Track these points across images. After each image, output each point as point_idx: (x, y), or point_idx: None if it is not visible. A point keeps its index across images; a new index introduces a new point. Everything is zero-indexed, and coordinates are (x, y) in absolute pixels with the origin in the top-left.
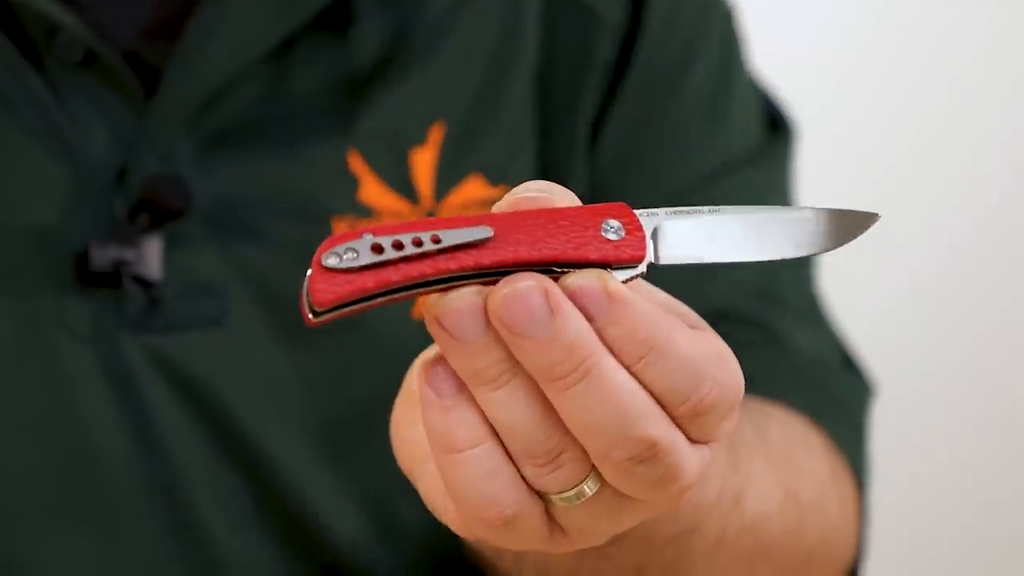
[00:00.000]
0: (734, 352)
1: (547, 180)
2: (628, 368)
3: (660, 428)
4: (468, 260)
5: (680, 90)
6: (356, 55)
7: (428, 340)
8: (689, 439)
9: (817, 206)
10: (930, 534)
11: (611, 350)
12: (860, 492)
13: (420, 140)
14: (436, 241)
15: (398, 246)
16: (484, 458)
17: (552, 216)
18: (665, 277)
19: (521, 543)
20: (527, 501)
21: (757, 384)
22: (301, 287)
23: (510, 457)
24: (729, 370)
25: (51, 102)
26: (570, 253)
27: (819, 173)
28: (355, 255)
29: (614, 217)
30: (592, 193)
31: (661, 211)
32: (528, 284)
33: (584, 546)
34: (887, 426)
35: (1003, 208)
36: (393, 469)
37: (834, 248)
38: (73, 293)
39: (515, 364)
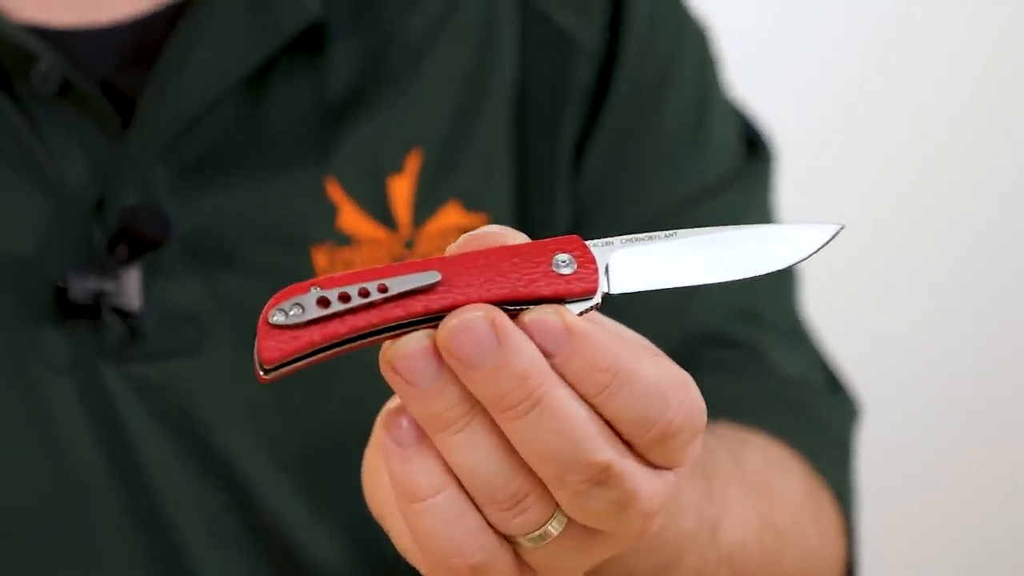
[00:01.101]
0: (716, 376)
1: (527, 204)
2: (593, 399)
3: (610, 452)
4: (417, 306)
5: (659, 114)
6: (331, 80)
7: None
8: (654, 465)
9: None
10: (922, 546)
11: (574, 383)
12: (844, 513)
13: (398, 168)
14: (383, 290)
15: (344, 298)
16: (446, 505)
17: (502, 255)
18: (645, 302)
19: None
20: (494, 547)
21: (738, 409)
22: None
23: (475, 503)
24: (692, 395)
25: (27, 132)
26: (521, 291)
27: (807, 186)
28: (301, 310)
29: (565, 251)
30: (576, 220)
31: (616, 240)
32: (474, 315)
33: None
34: (889, 439)
35: (1001, 219)
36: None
37: (795, 263)
38: (52, 324)
39: (473, 406)
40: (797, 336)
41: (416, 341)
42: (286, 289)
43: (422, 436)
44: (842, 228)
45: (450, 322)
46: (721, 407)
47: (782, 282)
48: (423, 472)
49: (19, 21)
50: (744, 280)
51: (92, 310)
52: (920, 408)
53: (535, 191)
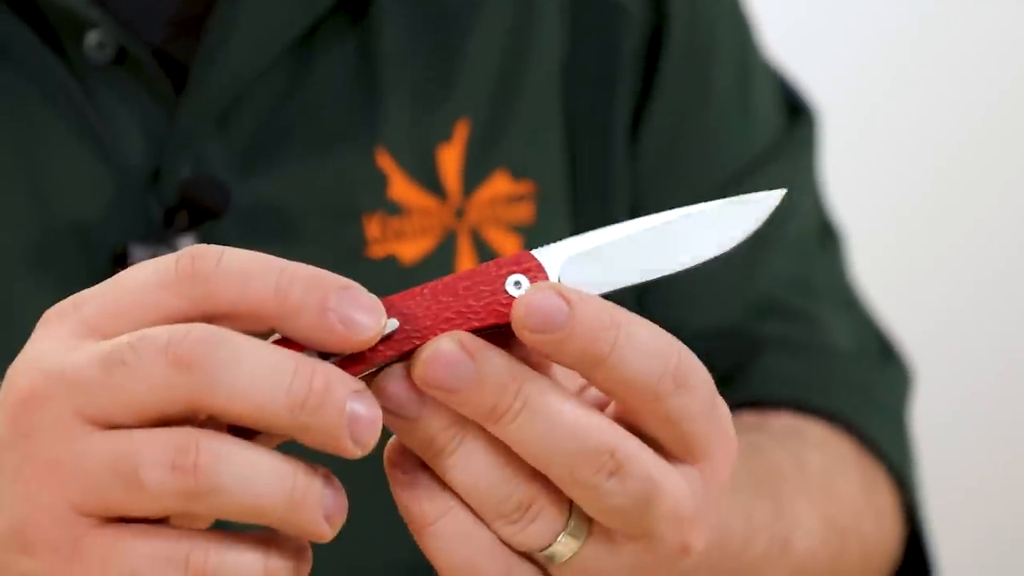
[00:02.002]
0: (779, 355)
1: (579, 177)
2: (604, 362)
3: (611, 434)
4: (387, 352)
5: (708, 84)
6: (377, 47)
7: None
8: (672, 455)
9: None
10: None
11: (582, 354)
12: (904, 489)
13: (446, 137)
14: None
15: None
16: (453, 526)
17: (452, 285)
18: (706, 279)
19: None
20: (513, 563)
21: (799, 388)
22: None
23: (484, 521)
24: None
25: (84, 101)
26: (476, 324)
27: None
28: None
29: (516, 271)
30: (635, 197)
31: (564, 243)
32: (442, 343)
33: None
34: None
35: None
36: None
37: (742, 237)
38: None
39: (462, 427)
40: (849, 303)
41: (393, 377)
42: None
43: (420, 462)
44: (784, 193)
45: (422, 356)
46: (783, 388)
47: (831, 248)
48: (426, 497)
49: None
50: (796, 248)
51: None
52: (942, 409)
53: (588, 163)
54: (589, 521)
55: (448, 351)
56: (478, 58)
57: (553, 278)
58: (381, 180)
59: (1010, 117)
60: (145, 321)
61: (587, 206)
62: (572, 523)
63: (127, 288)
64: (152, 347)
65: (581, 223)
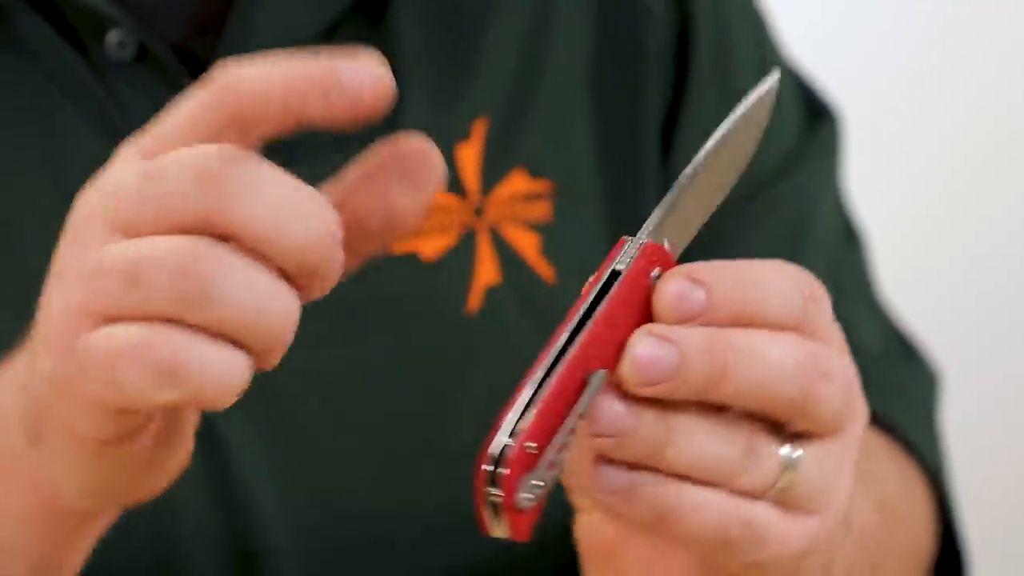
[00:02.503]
0: None
1: (612, 180)
2: (750, 313)
3: (809, 345)
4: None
5: (735, 87)
6: (394, 45)
7: (482, 330)
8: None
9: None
10: None
11: (732, 317)
12: (937, 486)
13: (464, 135)
14: (581, 416)
15: (561, 449)
16: (688, 505)
17: (613, 312)
18: None
19: (770, 550)
20: (753, 510)
21: None
22: (484, 510)
23: (716, 485)
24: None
25: (106, 99)
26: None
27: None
28: (542, 484)
29: (653, 267)
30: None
31: (653, 220)
32: (641, 341)
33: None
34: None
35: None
36: (451, 465)
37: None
38: None
39: (670, 414)
40: (873, 304)
41: (606, 401)
42: (510, 472)
43: (630, 466)
44: (778, 77)
45: (626, 365)
46: None
47: (855, 249)
48: (653, 494)
49: None
50: (823, 250)
51: None
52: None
53: (616, 161)
54: (796, 438)
55: (645, 346)
56: (495, 57)
57: (675, 255)
58: None
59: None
60: (187, 142)
61: (615, 205)
62: (787, 446)
63: (174, 112)
64: (181, 162)
65: (609, 222)
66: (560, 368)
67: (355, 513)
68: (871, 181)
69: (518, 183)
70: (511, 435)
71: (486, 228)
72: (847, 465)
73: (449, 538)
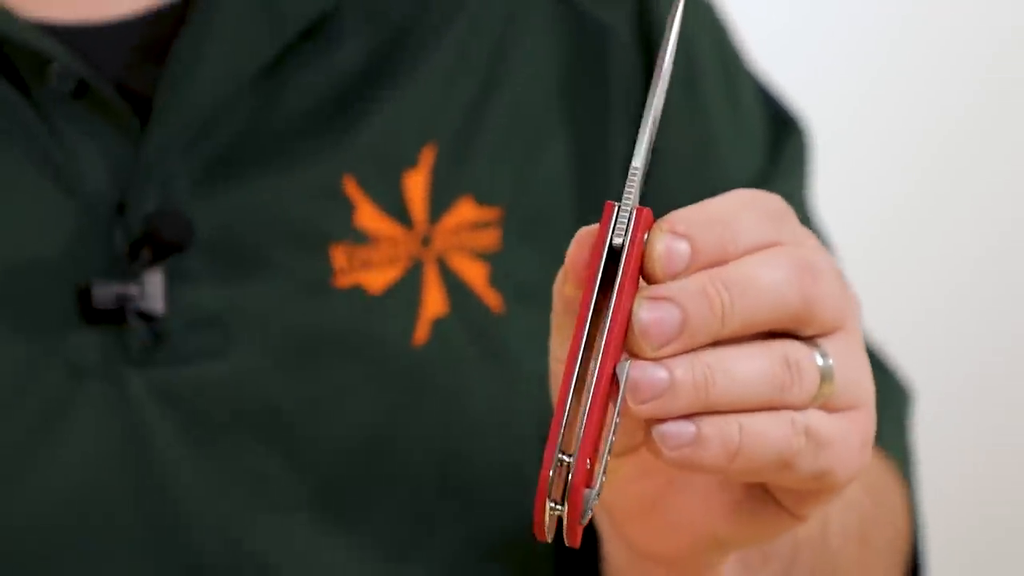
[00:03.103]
0: None
1: (584, 200)
2: (739, 249)
3: (792, 253)
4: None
5: (702, 110)
6: (344, 72)
7: (429, 363)
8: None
9: None
10: None
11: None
12: (908, 494)
13: (412, 163)
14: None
15: (609, 450)
16: (748, 434)
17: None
18: None
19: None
20: (805, 419)
21: None
22: (543, 522)
23: (769, 407)
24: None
25: (45, 135)
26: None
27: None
28: (598, 493)
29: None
30: None
31: (636, 184)
32: (639, 310)
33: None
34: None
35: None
36: (401, 499)
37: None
38: (77, 329)
39: (704, 357)
40: None
41: (639, 373)
42: (574, 491)
43: (691, 419)
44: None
45: (636, 334)
46: None
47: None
48: (714, 436)
49: (28, 19)
50: None
51: (116, 315)
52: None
53: (593, 186)
54: (817, 338)
55: (647, 313)
56: (444, 83)
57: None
58: (347, 207)
59: (989, 127)
60: None
61: (585, 223)
62: (816, 348)
63: None
64: None
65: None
66: (596, 372)
67: (305, 550)
68: (837, 192)
69: (466, 211)
70: (564, 451)
71: (433, 259)
72: (861, 353)
73: None
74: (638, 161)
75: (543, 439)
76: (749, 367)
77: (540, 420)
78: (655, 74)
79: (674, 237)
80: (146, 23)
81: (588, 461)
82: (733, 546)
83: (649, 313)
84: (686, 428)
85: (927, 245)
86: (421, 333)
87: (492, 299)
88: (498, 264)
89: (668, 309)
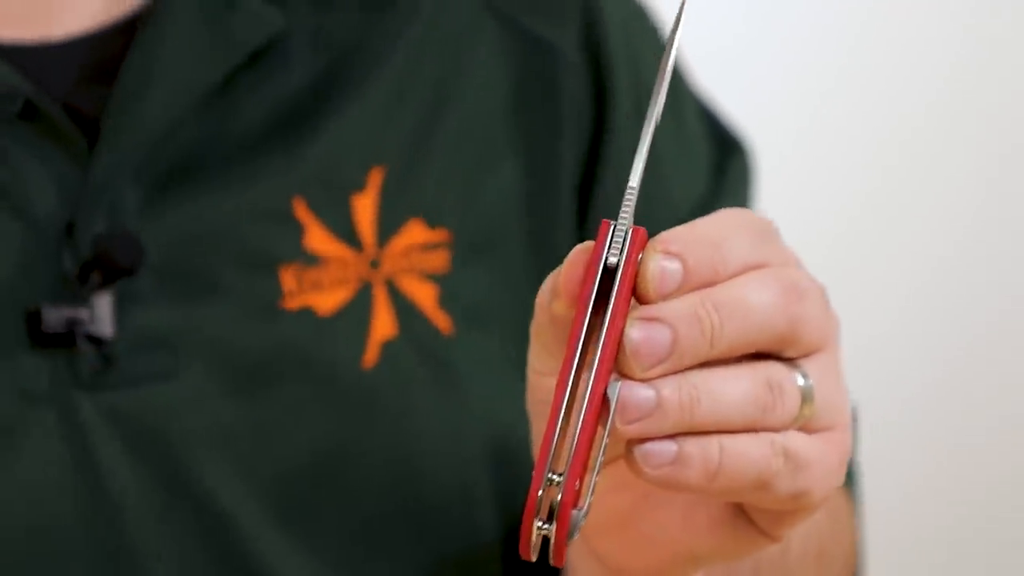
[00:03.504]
0: None
1: (534, 221)
2: (724, 273)
3: (780, 273)
4: (601, 386)
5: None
6: (293, 94)
7: (379, 385)
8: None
9: None
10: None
11: (715, 274)
12: (854, 510)
13: (360, 185)
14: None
15: (597, 470)
16: (729, 454)
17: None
18: None
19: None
20: (784, 441)
21: None
22: (529, 541)
23: (754, 429)
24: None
25: None
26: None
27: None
28: (585, 512)
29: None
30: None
31: (631, 202)
32: (630, 330)
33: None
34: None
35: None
36: (352, 520)
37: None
38: (26, 353)
39: (690, 377)
40: None
41: (626, 387)
42: (563, 511)
43: (673, 438)
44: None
45: (627, 354)
46: None
47: None
48: (697, 455)
49: None
50: None
51: (66, 338)
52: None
53: (545, 206)
54: (799, 359)
55: (638, 333)
56: (392, 105)
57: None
58: (297, 229)
59: (939, 147)
60: None
61: (539, 246)
62: (795, 372)
63: None
64: None
65: (535, 263)
66: (588, 397)
67: (255, 570)
68: (783, 211)
69: (415, 233)
70: (553, 471)
71: (382, 281)
72: (840, 373)
73: None
74: (634, 180)
75: (493, 460)
76: (733, 388)
77: (490, 441)
78: (653, 94)
79: (667, 257)
80: (94, 43)
81: (577, 482)
82: (707, 562)
83: (640, 333)
84: (668, 447)
85: (873, 270)
86: (371, 355)
87: (441, 321)
88: (447, 286)
89: (659, 330)
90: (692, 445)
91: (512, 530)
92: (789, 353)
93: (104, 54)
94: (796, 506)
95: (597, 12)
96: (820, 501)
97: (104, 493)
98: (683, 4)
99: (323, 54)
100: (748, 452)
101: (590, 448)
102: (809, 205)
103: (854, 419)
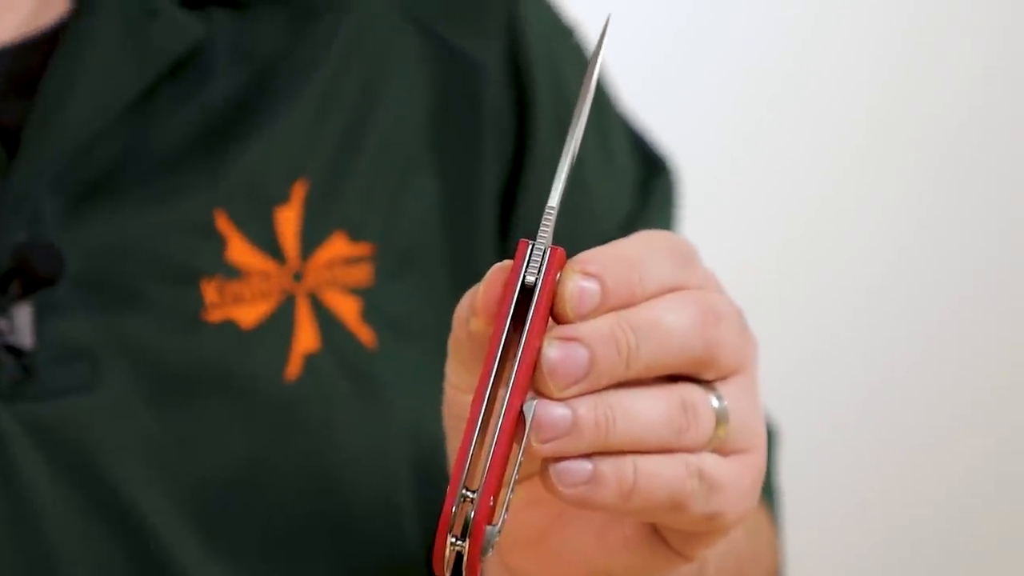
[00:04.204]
0: None
1: (453, 238)
2: (639, 295)
3: (698, 297)
4: (518, 400)
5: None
6: (215, 105)
7: (302, 398)
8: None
9: None
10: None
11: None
12: (775, 533)
13: (284, 198)
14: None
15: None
16: (643, 475)
17: (543, 316)
18: None
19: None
20: (698, 463)
21: None
22: (443, 557)
23: (669, 450)
24: None
25: None
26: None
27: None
28: (499, 529)
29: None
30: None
31: (549, 223)
32: (548, 350)
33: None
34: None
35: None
36: (274, 532)
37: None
38: None
39: (606, 397)
40: None
41: (543, 407)
42: (475, 527)
43: (588, 458)
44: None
45: (543, 372)
46: None
47: None
48: (612, 476)
49: None
50: None
51: None
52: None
53: (463, 221)
54: (709, 387)
55: (555, 353)
56: (314, 119)
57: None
58: (219, 242)
59: (873, 171)
60: None
61: (459, 261)
62: (712, 392)
63: None
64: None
65: (454, 279)
66: (503, 414)
67: None
68: (708, 232)
69: (338, 247)
70: (467, 487)
71: (305, 294)
72: (756, 396)
73: None
74: (554, 200)
75: (417, 472)
76: (648, 409)
77: (413, 453)
78: (574, 114)
79: (585, 278)
80: (14, 55)
81: (491, 498)
82: None
83: (558, 353)
84: (583, 466)
85: (804, 292)
86: (293, 368)
87: (364, 334)
88: (370, 299)
89: (576, 350)
90: (606, 465)
91: (431, 546)
92: (706, 376)
93: (25, 66)
94: (710, 527)
95: (521, 27)
96: (734, 522)
97: (24, 504)
98: (606, 24)
99: (246, 66)
100: (662, 473)
101: (505, 464)
102: (734, 224)
103: (773, 440)
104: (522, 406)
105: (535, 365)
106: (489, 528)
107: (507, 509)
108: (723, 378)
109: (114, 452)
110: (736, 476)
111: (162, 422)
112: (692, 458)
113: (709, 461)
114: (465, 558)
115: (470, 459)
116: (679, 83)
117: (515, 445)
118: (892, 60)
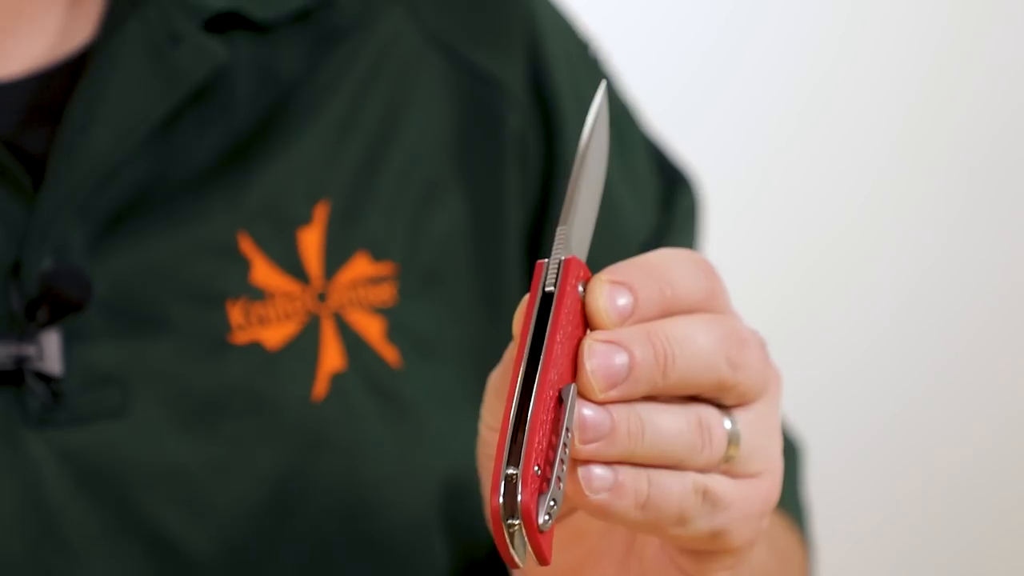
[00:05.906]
0: None
1: (480, 260)
2: (677, 300)
3: (726, 321)
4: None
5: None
6: (237, 129)
7: (329, 418)
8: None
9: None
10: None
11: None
12: (804, 545)
13: (306, 220)
14: (568, 429)
15: (561, 463)
16: (657, 488)
17: (564, 317)
18: None
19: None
20: (707, 481)
21: None
22: (507, 543)
23: (680, 467)
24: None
25: None
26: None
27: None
28: (554, 503)
29: (578, 280)
30: None
31: (561, 237)
32: (592, 348)
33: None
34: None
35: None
36: (305, 554)
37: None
38: None
39: (636, 408)
40: None
41: (585, 407)
42: (525, 496)
43: (610, 468)
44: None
45: (586, 373)
46: None
47: None
48: (631, 486)
49: None
50: None
51: (14, 376)
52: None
53: (490, 239)
54: (727, 411)
55: (597, 355)
56: (336, 140)
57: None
58: (243, 264)
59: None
60: None
61: (486, 278)
62: (727, 419)
63: None
64: None
65: (480, 294)
66: (534, 392)
67: None
68: (730, 248)
69: (361, 267)
70: (512, 464)
71: (330, 314)
72: (774, 423)
73: None
74: (566, 225)
75: (446, 490)
76: (671, 425)
77: (442, 472)
78: (579, 149)
79: (614, 287)
80: (39, 83)
81: (538, 467)
82: None
83: (600, 357)
84: (608, 474)
85: (826, 308)
86: (320, 388)
87: (389, 353)
88: (394, 318)
89: (617, 352)
90: (626, 475)
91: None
92: (726, 400)
93: (49, 94)
94: (715, 546)
95: (541, 46)
96: (742, 544)
97: (54, 530)
98: (603, 94)
99: (268, 89)
100: (672, 488)
101: (543, 439)
102: (757, 239)
103: (799, 456)
104: (561, 391)
105: (574, 366)
106: (541, 497)
107: (562, 480)
108: (742, 404)
109: (144, 478)
110: (743, 498)
111: (190, 446)
112: (700, 476)
113: (716, 481)
114: (525, 535)
115: (508, 442)
116: (704, 98)
117: (563, 427)
118: (920, 75)
